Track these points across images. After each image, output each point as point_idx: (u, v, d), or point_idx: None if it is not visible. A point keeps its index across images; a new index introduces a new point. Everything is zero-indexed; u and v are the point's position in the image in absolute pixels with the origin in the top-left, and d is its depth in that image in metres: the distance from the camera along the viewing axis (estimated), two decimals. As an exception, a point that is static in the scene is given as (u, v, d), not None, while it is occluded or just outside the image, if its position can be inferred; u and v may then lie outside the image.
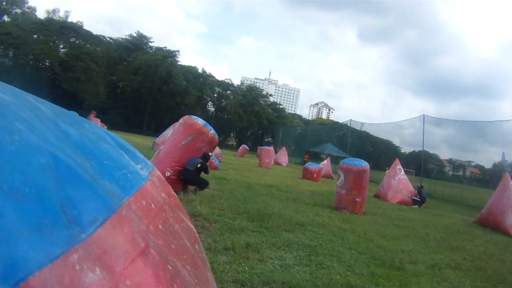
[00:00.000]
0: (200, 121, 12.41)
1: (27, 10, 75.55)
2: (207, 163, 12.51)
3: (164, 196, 1.77)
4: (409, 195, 21.24)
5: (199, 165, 11.91)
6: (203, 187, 12.13)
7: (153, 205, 1.54)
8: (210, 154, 12.82)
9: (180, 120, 12.87)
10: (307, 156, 56.64)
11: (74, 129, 1.29)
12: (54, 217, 0.91)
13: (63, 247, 0.88)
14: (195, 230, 2.00)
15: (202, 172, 12.19)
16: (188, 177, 11.76)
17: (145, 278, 1.09)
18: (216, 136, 12.82)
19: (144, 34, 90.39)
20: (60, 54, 74.10)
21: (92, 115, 47.42)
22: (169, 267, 1.27)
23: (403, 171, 22.64)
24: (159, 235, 1.40)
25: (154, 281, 1.12)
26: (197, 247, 1.84)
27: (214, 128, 12.96)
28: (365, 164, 14.43)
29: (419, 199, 21.05)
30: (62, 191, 0.99)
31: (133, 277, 1.04)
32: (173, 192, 1.98)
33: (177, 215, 1.84)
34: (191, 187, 12.17)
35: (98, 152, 1.33)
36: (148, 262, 1.15)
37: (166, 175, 11.33)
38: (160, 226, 1.48)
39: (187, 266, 1.48)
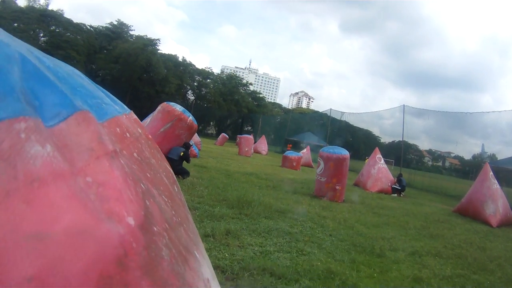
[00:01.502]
0: (178, 108, 12.40)
1: (8, -2, 74.69)
2: (189, 152, 12.50)
3: (140, 132, 1.68)
4: (389, 184, 21.30)
5: (182, 154, 11.90)
6: (186, 177, 12.12)
7: (127, 134, 1.45)
8: (190, 143, 12.80)
9: (159, 107, 12.85)
10: (290, 145, 56.74)
11: (49, 60, 1.19)
12: (7, 90, 0.83)
13: (10, 114, 0.80)
14: (174, 176, 1.90)
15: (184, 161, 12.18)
16: (173, 167, 11.63)
17: (110, 178, 0.98)
18: (195, 123, 12.80)
19: (124, 22, 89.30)
20: (40, 43, 72.22)
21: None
22: (142, 185, 1.16)
23: (382, 160, 22.71)
24: (133, 161, 1.29)
25: (122, 184, 1.00)
26: (176, 188, 1.72)
27: (194, 117, 12.89)
28: (345, 152, 14.42)
29: (399, 187, 21.08)
30: (25, 82, 0.92)
31: (95, 174, 0.95)
32: (151, 137, 1.88)
33: (155, 152, 1.75)
34: None
35: (71, 81, 1.22)
36: (115, 164, 1.05)
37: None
38: (135, 154, 1.38)
39: (163, 197, 1.37)
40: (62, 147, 0.92)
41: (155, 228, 1.04)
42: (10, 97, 0.84)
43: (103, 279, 0.78)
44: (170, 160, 11.67)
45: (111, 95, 1.70)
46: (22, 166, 0.78)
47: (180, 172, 12.16)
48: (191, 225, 1.60)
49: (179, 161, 11.98)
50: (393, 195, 20.47)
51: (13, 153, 0.78)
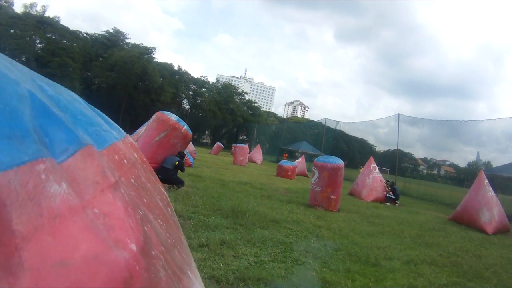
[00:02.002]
0: (173, 117, 12.40)
1: (4, 4, 74.05)
2: (183, 162, 12.49)
3: (136, 156, 1.80)
4: (384, 192, 21.24)
5: (176, 163, 11.90)
6: (180, 186, 12.09)
7: (125, 161, 1.57)
8: (184, 152, 12.79)
9: (153, 116, 12.86)
10: (286, 154, 56.77)
11: (49, 87, 1.28)
12: (25, 133, 0.92)
13: (31, 156, 0.89)
14: (168, 198, 2.08)
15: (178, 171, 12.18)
16: (167, 176, 11.75)
17: (114, 209, 1.09)
18: (190, 132, 12.80)
19: (120, 30, 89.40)
20: (37, 50, 72.70)
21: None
22: (140, 212, 1.28)
23: (377, 169, 22.63)
24: (131, 188, 1.41)
25: (123, 214, 1.11)
26: (169, 210, 1.89)
27: (189, 126, 12.90)
28: (339, 162, 14.44)
29: (393, 196, 21.03)
30: (35, 119, 0.99)
31: (101, 206, 1.05)
32: (145, 160, 2.04)
33: (149, 176, 1.87)
34: (164, 186, 12.04)
35: (72, 108, 1.32)
36: (117, 196, 1.15)
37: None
38: (132, 180, 1.51)
39: (159, 220, 1.51)
40: (72, 181, 1.00)
41: (153, 252, 1.16)
42: (28, 139, 0.91)
43: None
44: (164, 169, 11.67)
45: (107, 118, 1.77)
46: (45, 204, 0.87)
47: (175, 182, 12.12)
48: (184, 245, 1.74)
49: (173, 171, 11.95)
50: (387, 204, 20.37)
51: (37, 193, 0.86)
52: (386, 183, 21.54)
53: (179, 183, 12.21)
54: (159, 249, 1.25)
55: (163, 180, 11.55)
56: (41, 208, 0.85)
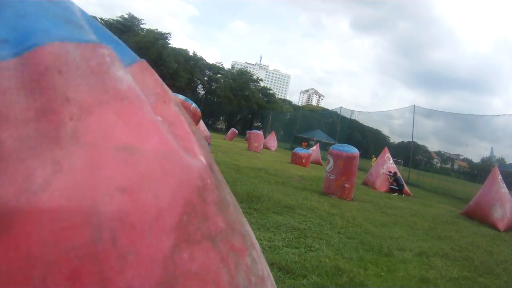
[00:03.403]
0: (180, 97, 12.53)
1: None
2: None
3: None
4: (389, 184, 21.20)
5: None
6: None
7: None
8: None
9: (160, 98, 12.90)
10: (305, 143, 56.57)
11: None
12: (90, 24, 0.94)
13: (93, 40, 0.87)
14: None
15: None
16: None
17: (178, 120, 1.02)
18: (199, 110, 12.84)
19: (135, 16, 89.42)
20: (49, 34, 72.29)
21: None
22: (195, 134, 1.13)
23: (391, 160, 22.58)
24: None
25: (188, 128, 1.03)
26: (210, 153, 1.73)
27: (204, 111, 12.96)
28: (354, 151, 14.43)
29: (397, 187, 20.92)
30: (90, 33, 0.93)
31: (165, 115, 0.98)
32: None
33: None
34: None
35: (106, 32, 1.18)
36: (178, 109, 1.07)
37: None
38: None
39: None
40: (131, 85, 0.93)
41: (218, 175, 1.06)
42: (92, 28, 0.92)
43: (188, 205, 0.83)
44: None
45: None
46: (111, 84, 0.83)
47: None
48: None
49: None
50: (394, 194, 20.22)
51: (102, 71, 0.83)
52: (388, 175, 21.45)
53: None
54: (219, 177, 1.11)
55: None
56: (106, 86, 0.83)
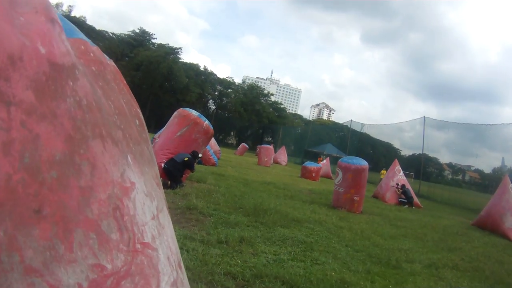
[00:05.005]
0: (194, 113, 12.56)
1: (31, 4, 75.32)
2: (194, 162, 12.37)
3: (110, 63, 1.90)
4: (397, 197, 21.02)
5: (186, 159, 11.76)
6: (174, 187, 11.60)
7: (92, 54, 1.71)
8: (199, 154, 12.74)
9: (175, 113, 13.01)
10: (321, 158, 56.40)
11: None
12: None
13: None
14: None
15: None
16: (173, 168, 11.50)
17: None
18: (211, 127, 12.83)
19: (146, 30, 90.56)
20: (62, 49, 73.04)
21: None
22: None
23: (402, 172, 22.46)
24: (89, 73, 1.53)
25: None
26: (137, 122, 1.98)
27: (215, 126, 12.95)
28: (363, 163, 14.34)
29: (405, 200, 20.75)
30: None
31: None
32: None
33: (119, 82, 1.95)
34: (164, 181, 11.77)
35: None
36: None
37: (162, 166, 11.25)
38: (93, 68, 1.64)
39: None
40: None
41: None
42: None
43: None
44: (172, 161, 11.51)
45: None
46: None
47: (174, 179, 11.78)
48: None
49: (180, 166, 11.68)
50: (404, 207, 20.07)
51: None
52: (397, 187, 21.30)
53: (177, 182, 11.82)
54: None
55: (166, 171, 11.52)
56: None
